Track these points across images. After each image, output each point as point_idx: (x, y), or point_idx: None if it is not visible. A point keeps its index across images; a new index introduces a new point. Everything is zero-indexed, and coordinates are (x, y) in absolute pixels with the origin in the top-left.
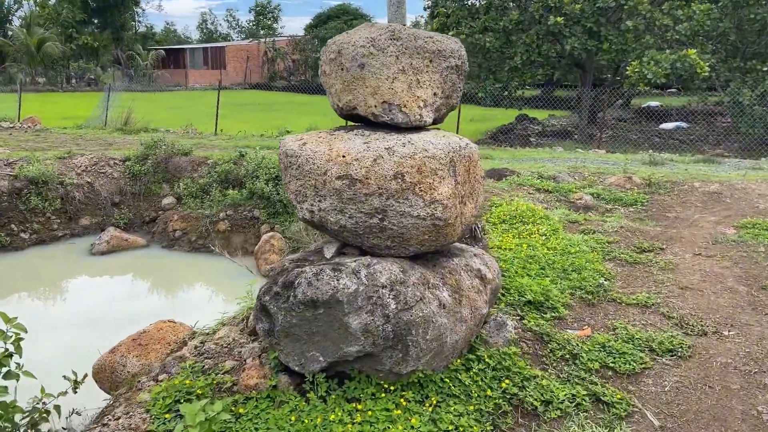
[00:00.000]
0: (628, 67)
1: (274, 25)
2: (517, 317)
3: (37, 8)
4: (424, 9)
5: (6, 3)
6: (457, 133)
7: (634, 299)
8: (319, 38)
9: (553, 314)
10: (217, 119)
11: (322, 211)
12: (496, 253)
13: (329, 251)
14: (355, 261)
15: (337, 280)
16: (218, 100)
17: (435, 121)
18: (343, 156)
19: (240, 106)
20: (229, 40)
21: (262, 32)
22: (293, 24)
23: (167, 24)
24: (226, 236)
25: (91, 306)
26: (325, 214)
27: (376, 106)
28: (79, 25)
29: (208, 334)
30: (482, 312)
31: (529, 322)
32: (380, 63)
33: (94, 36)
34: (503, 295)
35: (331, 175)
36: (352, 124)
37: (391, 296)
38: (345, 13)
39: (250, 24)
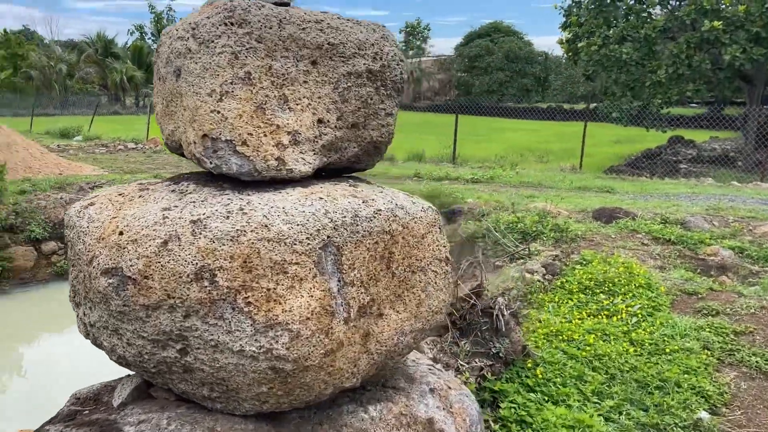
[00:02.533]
0: None
1: (423, 45)
2: None
3: None
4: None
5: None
6: (581, 161)
7: None
8: (463, 57)
9: None
10: None
11: (94, 327)
12: (539, 355)
13: (121, 393)
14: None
15: None
16: None
17: (334, 167)
18: (120, 233)
19: None
20: None
21: (410, 53)
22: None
23: None
24: None
25: None
26: (98, 334)
27: (195, 143)
28: None
29: None
30: None
31: None
32: (201, 67)
33: None
34: None
35: (97, 267)
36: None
37: None
38: (496, 31)
39: (400, 45)
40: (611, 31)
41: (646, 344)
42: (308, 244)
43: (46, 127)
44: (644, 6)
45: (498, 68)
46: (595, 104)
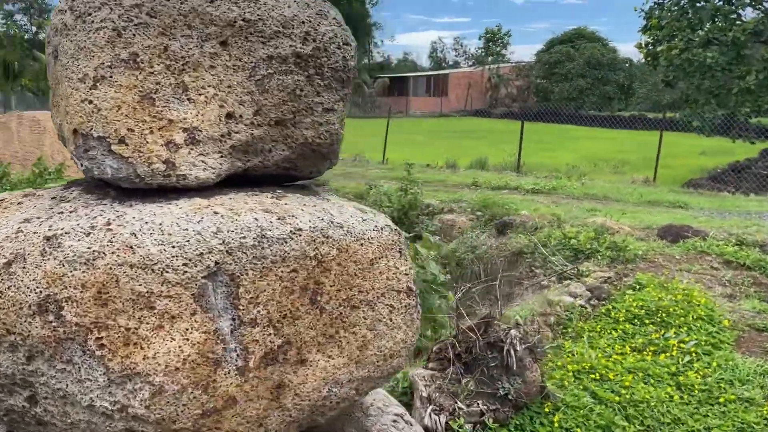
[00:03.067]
0: None
1: (503, 52)
2: None
3: None
4: (639, 31)
5: None
6: (655, 172)
7: None
8: (542, 63)
9: None
10: (385, 147)
11: None
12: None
13: None
14: None
15: None
16: (387, 127)
17: (258, 175)
18: None
19: (437, 132)
20: (457, 68)
21: (490, 59)
22: (525, 50)
23: (405, 54)
24: None
25: None
26: None
27: (68, 140)
28: None
29: None
30: None
31: None
32: (75, 46)
33: None
34: None
35: None
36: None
37: None
38: (580, 38)
39: (479, 51)
40: (695, 34)
41: (696, 390)
42: (186, 271)
43: None
44: (733, 7)
45: (578, 75)
46: (674, 112)
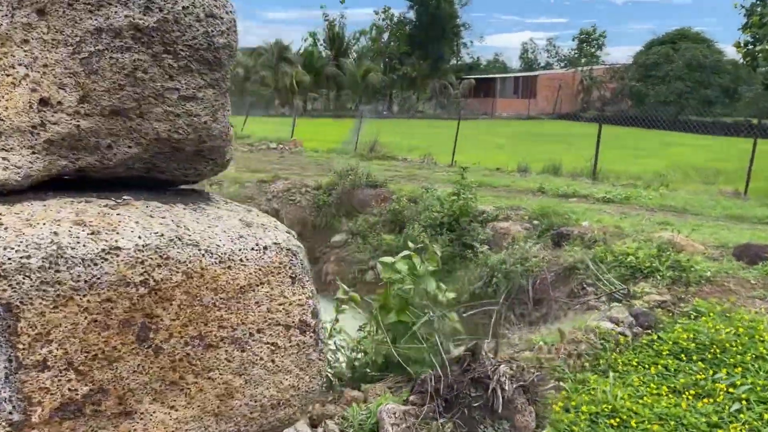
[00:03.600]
0: None
1: (598, 53)
2: None
3: (370, 42)
4: (740, 29)
5: (346, 38)
6: (747, 184)
7: None
8: (638, 65)
9: None
10: (454, 149)
11: None
12: None
13: None
14: None
15: None
16: (457, 129)
17: (103, 178)
18: None
19: (520, 135)
20: (548, 69)
21: (583, 60)
22: (624, 52)
23: (497, 55)
24: (371, 289)
25: None
26: None
27: None
28: (403, 56)
29: None
30: None
31: None
32: None
33: (413, 67)
34: None
35: None
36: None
37: None
38: (683, 38)
39: (572, 52)
40: None
41: None
42: None
43: None
44: None
45: (677, 78)
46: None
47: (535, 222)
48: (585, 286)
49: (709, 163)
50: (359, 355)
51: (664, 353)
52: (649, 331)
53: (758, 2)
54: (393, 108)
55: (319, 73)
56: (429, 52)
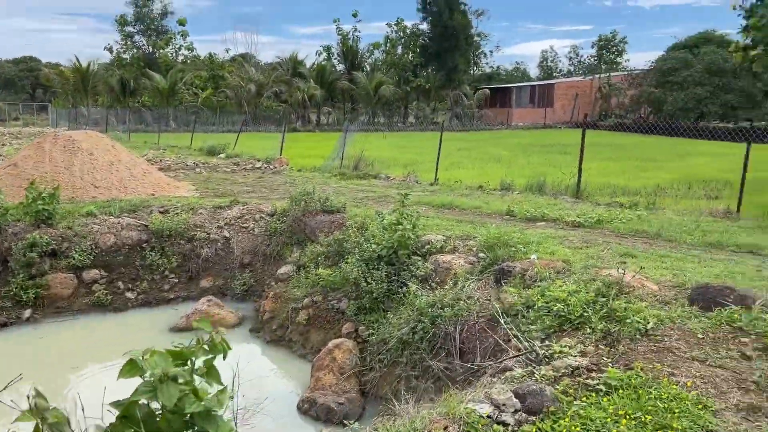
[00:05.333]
0: None
1: (618, 59)
2: None
3: (383, 54)
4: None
5: (360, 51)
6: (739, 202)
7: None
8: (656, 71)
9: None
10: (437, 166)
11: None
12: None
13: None
14: None
15: None
16: (440, 144)
17: None
18: None
19: (529, 146)
20: (570, 77)
21: (603, 67)
22: (644, 58)
23: (517, 64)
24: (305, 330)
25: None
26: None
27: None
28: (416, 68)
29: None
30: None
31: None
32: None
33: (427, 78)
34: None
35: None
36: None
37: None
38: (706, 42)
39: (592, 59)
40: None
41: None
42: None
43: (208, 143)
44: None
45: (696, 83)
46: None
47: (481, 255)
48: (510, 338)
49: (722, 174)
50: None
51: None
52: (535, 418)
53: (758, 2)
54: (409, 120)
55: (331, 87)
56: (443, 64)
